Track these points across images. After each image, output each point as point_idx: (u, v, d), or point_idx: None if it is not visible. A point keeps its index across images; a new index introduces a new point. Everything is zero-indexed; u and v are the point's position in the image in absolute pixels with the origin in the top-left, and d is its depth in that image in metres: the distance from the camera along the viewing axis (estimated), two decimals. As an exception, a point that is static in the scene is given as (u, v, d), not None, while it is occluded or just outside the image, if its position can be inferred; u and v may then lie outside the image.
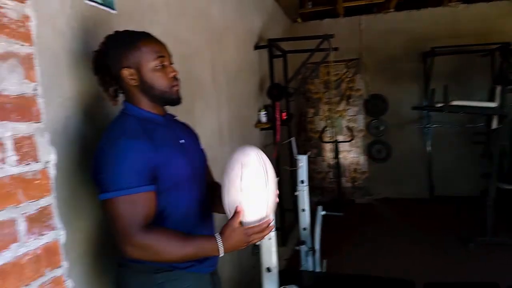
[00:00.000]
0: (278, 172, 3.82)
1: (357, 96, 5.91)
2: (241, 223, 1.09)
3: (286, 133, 4.40)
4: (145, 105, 1.20)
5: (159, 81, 1.17)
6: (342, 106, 5.99)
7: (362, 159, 5.89)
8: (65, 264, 0.93)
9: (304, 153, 2.63)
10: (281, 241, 3.84)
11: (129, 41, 1.17)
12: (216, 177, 2.53)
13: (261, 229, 1.11)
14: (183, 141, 1.24)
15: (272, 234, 1.48)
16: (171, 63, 1.22)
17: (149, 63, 1.16)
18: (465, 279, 2.57)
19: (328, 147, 5.99)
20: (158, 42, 1.21)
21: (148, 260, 1.09)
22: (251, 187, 1.08)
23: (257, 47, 3.88)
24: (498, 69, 4.82)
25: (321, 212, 2.51)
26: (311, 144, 6.15)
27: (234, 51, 3.20)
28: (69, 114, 1.30)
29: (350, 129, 5.76)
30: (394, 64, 5.74)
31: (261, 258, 1.49)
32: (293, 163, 2.69)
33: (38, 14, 1.21)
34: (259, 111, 3.84)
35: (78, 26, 1.38)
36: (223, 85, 2.88)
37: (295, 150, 2.71)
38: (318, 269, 2.40)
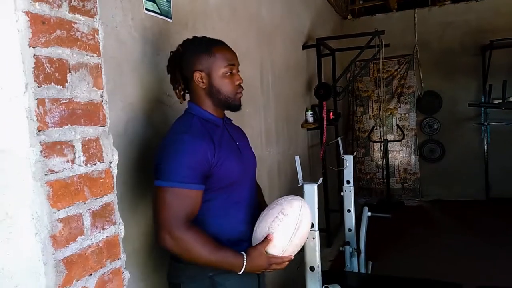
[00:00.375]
0: (324, 173, 3.85)
1: (409, 94, 5.71)
2: (265, 251, 1.18)
3: (333, 133, 4.38)
4: (208, 107, 1.29)
5: (226, 87, 1.26)
6: (393, 104, 5.82)
7: (413, 159, 5.69)
8: (123, 256, 1.01)
9: (351, 153, 2.62)
10: (326, 242, 3.83)
11: (204, 47, 1.26)
12: (261, 176, 2.62)
13: (281, 261, 1.21)
14: (238, 143, 1.32)
15: (316, 233, 1.52)
16: (238, 71, 1.31)
17: (220, 69, 1.25)
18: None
19: (377, 146, 5.85)
20: (231, 51, 1.29)
21: (176, 254, 1.16)
22: (277, 231, 1.19)
23: (305, 46, 3.89)
24: None
25: (367, 213, 2.49)
26: (359, 143, 6.04)
27: (282, 51, 3.25)
28: (130, 117, 1.42)
29: (400, 128, 5.59)
30: (450, 59, 5.48)
31: (305, 257, 1.53)
32: (340, 163, 2.69)
33: (104, 26, 1.34)
34: (306, 111, 3.86)
35: (138, 36, 1.50)
36: (271, 85, 2.94)
37: (341, 150, 2.70)
38: (362, 271, 2.39)
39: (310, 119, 3.84)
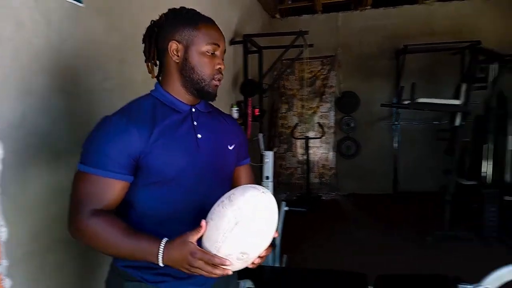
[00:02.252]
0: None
1: (330, 93, 6.01)
2: (199, 244, 0.93)
3: (258, 129, 4.46)
4: (175, 88, 1.10)
5: (203, 67, 1.08)
6: (315, 103, 6.09)
7: (331, 155, 6.00)
8: (4, 262, 0.92)
9: (271, 149, 2.69)
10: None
11: (190, 18, 1.09)
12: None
13: (210, 261, 0.90)
14: (201, 136, 1.11)
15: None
16: (222, 58, 1.12)
17: (201, 45, 1.07)
18: (420, 271, 2.70)
19: (298, 143, 6.07)
20: (219, 31, 1.12)
21: (85, 245, 1.01)
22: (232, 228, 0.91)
23: (232, 42, 3.91)
24: (467, 67, 4.99)
25: (284, 208, 2.58)
26: (281, 139, 6.19)
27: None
28: (27, 107, 1.32)
29: (321, 125, 5.86)
30: (368, 62, 5.86)
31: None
32: (262, 159, 2.75)
33: (1, 8, 1.23)
34: (232, 107, 3.88)
35: (42, 19, 1.39)
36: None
37: (262, 146, 2.77)
38: (277, 264, 2.47)
39: (235, 115, 3.88)
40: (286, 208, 2.63)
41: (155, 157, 1.01)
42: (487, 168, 3.83)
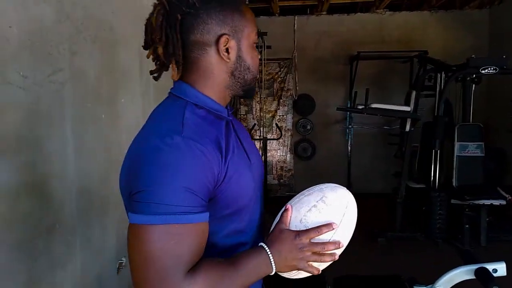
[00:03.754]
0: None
1: (287, 96, 6.08)
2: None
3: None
4: (217, 91, 0.85)
5: (254, 63, 0.86)
6: (274, 106, 6.15)
7: (288, 157, 6.10)
8: None
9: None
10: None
11: (231, 1, 0.82)
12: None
13: (322, 243, 0.79)
14: (244, 145, 0.89)
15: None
16: None
17: (251, 36, 0.85)
18: (374, 272, 2.77)
19: (258, 145, 6.10)
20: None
21: None
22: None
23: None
24: (416, 76, 5.25)
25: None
26: (241, 140, 6.26)
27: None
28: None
29: (279, 127, 5.92)
30: (323, 66, 5.99)
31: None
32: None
33: None
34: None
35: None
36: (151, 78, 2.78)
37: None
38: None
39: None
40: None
41: (229, 184, 0.78)
42: (435, 172, 4.02)
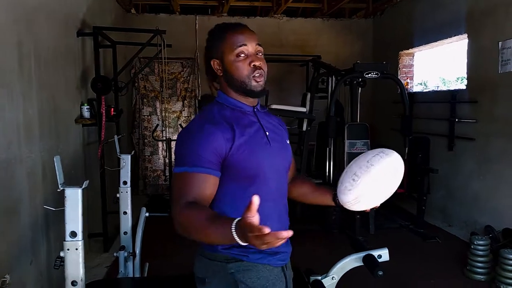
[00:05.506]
0: (102, 172, 3.58)
1: (191, 97, 6.01)
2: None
3: (114, 130, 4.12)
4: (233, 94, 1.22)
5: (238, 71, 1.18)
6: (178, 108, 6.03)
7: (194, 157, 6.03)
8: None
9: (129, 153, 2.50)
10: (104, 247, 3.58)
11: (218, 33, 1.21)
12: (19, 180, 2.19)
13: (251, 231, 0.84)
14: (268, 134, 1.23)
15: (80, 244, 1.34)
16: (258, 53, 1.19)
17: (230, 53, 1.17)
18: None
19: (163, 145, 5.94)
20: (244, 32, 1.20)
21: (182, 234, 1.05)
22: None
23: (80, 33, 3.51)
24: (311, 79, 5.59)
25: (144, 214, 2.43)
26: (146, 142, 6.03)
27: (50, 33, 2.81)
28: None
29: (183, 127, 5.81)
30: (226, 67, 6.03)
31: (66, 271, 1.32)
32: (119, 163, 2.53)
33: None
34: (82, 105, 3.48)
35: None
36: (34, 71, 2.50)
37: (117, 148, 2.55)
38: (137, 274, 2.31)
39: (86, 114, 3.49)
40: (147, 214, 2.48)
41: (240, 155, 1.13)
42: (329, 168, 4.33)
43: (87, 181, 1.38)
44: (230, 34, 1.19)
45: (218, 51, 1.19)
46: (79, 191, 1.33)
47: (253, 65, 1.17)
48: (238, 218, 0.92)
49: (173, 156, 5.48)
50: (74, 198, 1.32)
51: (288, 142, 1.35)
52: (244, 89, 1.19)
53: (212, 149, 1.11)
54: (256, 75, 1.17)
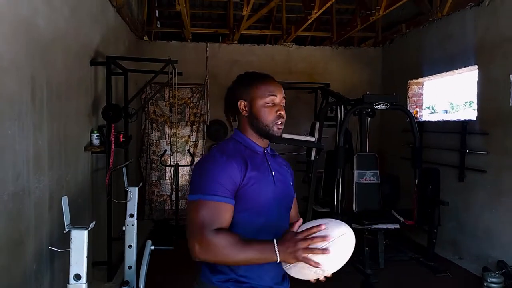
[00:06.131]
0: (109, 200, 3.57)
1: (200, 122, 6.05)
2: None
3: (123, 157, 4.15)
4: (250, 134, 1.36)
5: (265, 116, 1.32)
6: (187, 132, 6.08)
7: (201, 182, 6.01)
8: None
9: (138, 184, 2.50)
10: (108, 276, 3.53)
11: (249, 80, 1.36)
12: (25, 212, 2.19)
13: (310, 238, 1.11)
14: (274, 174, 1.35)
15: (83, 287, 1.32)
16: (282, 104, 1.35)
17: (261, 99, 1.32)
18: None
19: (170, 170, 5.94)
20: (275, 84, 1.36)
21: (206, 260, 1.18)
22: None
23: (93, 62, 3.58)
24: (319, 107, 5.60)
25: (150, 247, 2.40)
26: (153, 167, 6.05)
27: (63, 65, 2.87)
28: None
29: (191, 153, 5.82)
30: (235, 93, 6.07)
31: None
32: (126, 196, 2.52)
33: None
34: (92, 132, 3.52)
35: None
36: (46, 103, 2.53)
37: (125, 180, 2.55)
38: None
39: (96, 142, 3.52)
40: (152, 247, 2.45)
41: (250, 188, 1.24)
42: (337, 198, 4.27)
43: (94, 222, 1.37)
44: (263, 83, 1.35)
45: (248, 95, 1.34)
46: (85, 233, 1.33)
47: (279, 113, 1.33)
48: (274, 239, 1.14)
49: (180, 181, 5.54)
50: (79, 240, 1.32)
51: (291, 184, 1.46)
52: (267, 132, 1.33)
53: (229, 177, 1.22)
54: (279, 122, 1.34)
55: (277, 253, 1.12)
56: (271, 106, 1.33)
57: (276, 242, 1.13)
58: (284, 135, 4.36)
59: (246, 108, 1.35)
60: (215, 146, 1.37)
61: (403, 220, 4.15)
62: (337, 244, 1.13)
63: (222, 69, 6.04)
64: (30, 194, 2.27)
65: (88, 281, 1.32)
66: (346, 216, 4.17)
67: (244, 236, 1.18)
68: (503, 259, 3.72)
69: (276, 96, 1.33)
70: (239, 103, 1.35)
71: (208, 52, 6.14)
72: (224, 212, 1.21)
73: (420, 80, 5.59)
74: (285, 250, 1.12)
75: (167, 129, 6.03)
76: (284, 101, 1.37)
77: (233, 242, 1.15)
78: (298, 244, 1.11)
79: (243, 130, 1.38)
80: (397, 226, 4.08)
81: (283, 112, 1.34)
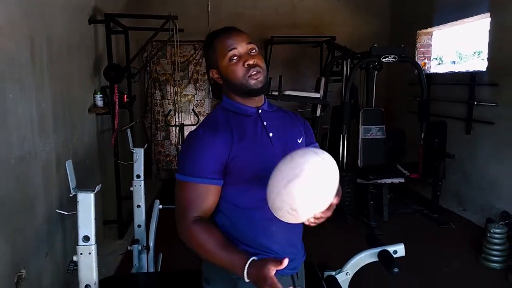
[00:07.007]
0: (116, 161, 3.61)
1: (204, 80, 5.95)
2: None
3: (128, 117, 4.14)
4: (237, 98, 1.23)
5: (234, 74, 1.18)
6: (190, 91, 5.98)
7: (207, 142, 6.04)
8: None
9: (143, 144, 2.51)
10: (118, 234, 3.66)
11: (209, 43, 1.24)
12: (33, 175, 2.23)
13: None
14: (272, 134, 1.23)
15: (93, 248, 1.36)
16: (250, 53, 1.19)
17: (223, 59, 1.19)
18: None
19: (175, 130, 5.94)
20: (232, 35, 1.20)
21: (189, 246, 1.14)
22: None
23: (92, 21, 3.48)
24: (325, 62, 5.47)
25: (158, 207, 2.45)
26: (158, 127, 6.05)
27: (62, 24, 2.79)
28: None
29: (196, 113, 5.79)
30: (239, 49, 5.93)
31: (79, 275, 1.35)
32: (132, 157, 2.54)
33: None
34: (95, 94, 3.49)
35: None
36: (46, 64, 2.49)
37: (130, 142, 2.56)
38: (151, 268, 2.36)
39: (100, 103, 3.50)
40: (160, 206, 2.50)
41: (239, 160, 1.14)
42: (342, 154, 4.28)
43: (100, 185, 1.39)
44: (218, 41, 1.21)
45: (213, 61, 1.23)
46: (91, 196, 1.34)
47: (247, 64, 1.17)
48: (254, 258, 1.03)
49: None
50: (86, 203, 1.34)
51: (299, 140, 1.29)
52: (245, 90, 1.19)
53: (212, 156, 1.13)
54: (253, 73, 1.17)
55: (245, 275, 1.03)
56: (236, 61, 1.18)
57: (249, 265, 1.03)
58: (288, 92, 4.31)
59: (218, 75, 1.23)
60: (204, 119, 1.27)
61: (408, 174, 4.17)
62: (298, 187, 0.99)
63: (224, 24, 5.56)
64: (36, 157, 2.29)
65: (97, 241, 1.35)
66: (351, 171, 4.20)
67: (223, 237, 1.11)
68: (507, 210, 3.76)
69: (236, 48, 1.18)
70: (210, 73, 1.25)
71: (209, 6, 5.93)
72: (206, 195, 1.14)
73: (429, 30, 5.40)
74: (253, 278, 1.02)
75: (169, 88, 5.96)
76: (250, 47, 1.20)
77: (206, 243, 1.10)
78: (263, 284, 0.99)
79: (229, 96, 1.25)
80: (402, 180, 4.11)
81: (252, 61, 1.17)
